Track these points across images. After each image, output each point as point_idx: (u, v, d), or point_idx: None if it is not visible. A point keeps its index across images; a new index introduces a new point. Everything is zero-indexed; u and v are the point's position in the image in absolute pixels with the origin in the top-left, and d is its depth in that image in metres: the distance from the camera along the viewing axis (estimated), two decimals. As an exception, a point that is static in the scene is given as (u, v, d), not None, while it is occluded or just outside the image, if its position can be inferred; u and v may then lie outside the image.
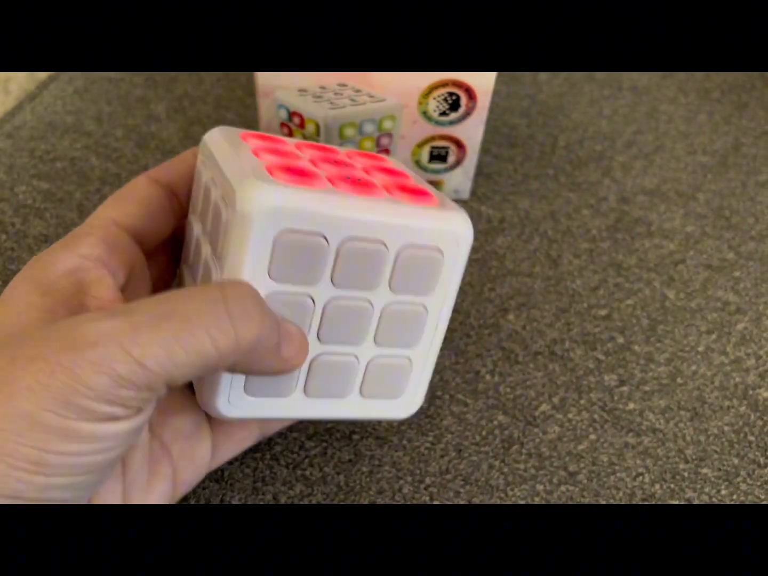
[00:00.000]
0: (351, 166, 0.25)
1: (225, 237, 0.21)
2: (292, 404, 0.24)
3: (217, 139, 0.25)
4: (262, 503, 0.28)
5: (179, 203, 0.26)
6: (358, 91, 0.33)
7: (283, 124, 0.35)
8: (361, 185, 0.23)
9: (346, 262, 0.22)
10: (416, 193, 0.24)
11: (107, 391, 0.17)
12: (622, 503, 0.29)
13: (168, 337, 0.17)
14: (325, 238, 0.21)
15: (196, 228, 0.25)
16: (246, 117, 0.43)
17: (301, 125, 0.35)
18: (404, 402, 0.27)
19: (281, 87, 0.33)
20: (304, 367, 0.24)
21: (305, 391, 0.24)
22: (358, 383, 0.25)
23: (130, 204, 0.24)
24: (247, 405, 0.24)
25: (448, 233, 0.23)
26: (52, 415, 0.17)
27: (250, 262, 0.21)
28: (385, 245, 0.22)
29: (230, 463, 0.29)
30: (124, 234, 0.23)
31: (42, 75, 0.77)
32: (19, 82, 1.00)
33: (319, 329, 0.23)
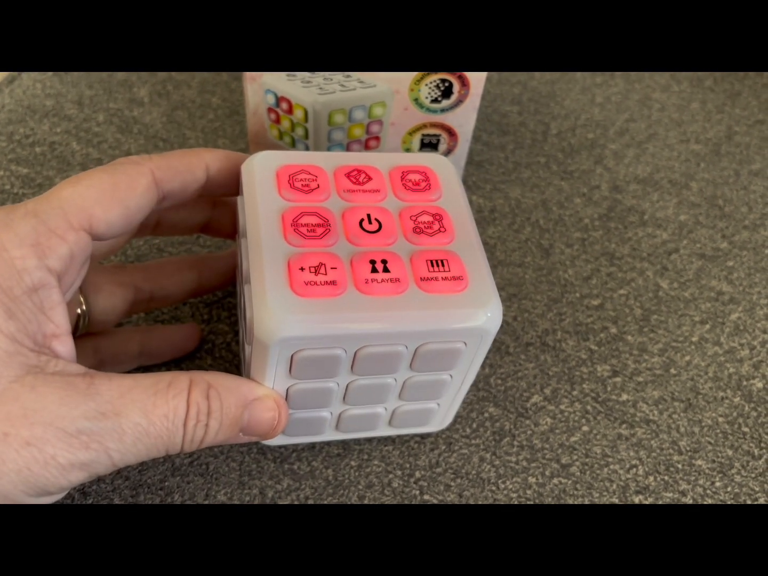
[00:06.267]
0: (383, 229, 0.24)
1: (250, 340, 0.22)
2: (327, 436, 0.28)
3: (250, 186, 0.24)
4: (248, 498, 0.27)
5: (165, 209, 0.26)
6: (348, 76, 0.32)
7: (270, 110, 0.34)
8: (386, 279, 0.22)
9: (366, 361, 0.23)
10: (445, 276, 0.23)
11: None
12: (615, 497, 0.28)
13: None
14: (343, 349, 0.22)
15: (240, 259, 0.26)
16: (232, 101, 0.42)
17: (289, 111, 0.34)
18: (434, 423, 0.28)
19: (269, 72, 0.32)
20: (334, 417, 0.26)
21: (337, 429, 0.27)
22: (386, 422, 0.27)
23: (116, 208, 0.22)
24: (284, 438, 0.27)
25: (469, 331, 0.23)
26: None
27: (271, 372, 0.22)
28: (405, 346, 0.23)
29: (215, 456, 0.28)
30: (90, 243, 0.22)
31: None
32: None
33: (344, 397, 0.25)
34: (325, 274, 0.22)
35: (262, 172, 0.24)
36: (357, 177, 0.25)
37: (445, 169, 0.26)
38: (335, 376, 0.23)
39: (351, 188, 0.25)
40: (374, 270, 0.22)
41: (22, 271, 0.19)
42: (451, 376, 0.25)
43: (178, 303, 0.32)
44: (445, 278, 0.23)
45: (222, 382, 0.22)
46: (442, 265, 0.23)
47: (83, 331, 0.26)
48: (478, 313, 0.22)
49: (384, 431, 0.28)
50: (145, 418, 0.20)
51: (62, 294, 0.21)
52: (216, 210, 0.29)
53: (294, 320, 0.21)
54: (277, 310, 0.21)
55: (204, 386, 0.21)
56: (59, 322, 0.20)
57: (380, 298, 0.22)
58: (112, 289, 0.27)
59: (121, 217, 0.22)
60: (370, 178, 0.25)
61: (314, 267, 0.22)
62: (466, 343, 0.23)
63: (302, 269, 0.22)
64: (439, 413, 0.28)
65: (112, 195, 0.22)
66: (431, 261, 0.23)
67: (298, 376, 0.23)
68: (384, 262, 0.22)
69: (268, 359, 0.22)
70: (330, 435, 0.27)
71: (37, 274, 0.20)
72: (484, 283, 0.23)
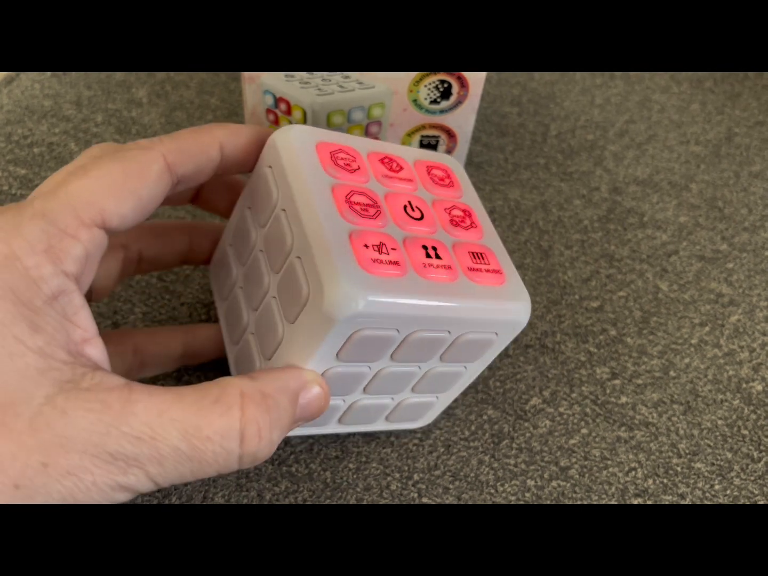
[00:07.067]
0: (425, 218, 0.24)
1: (302, 317, 0.21)
2: (329, 428, 0.27)
3: (292, 158, 0.23)
4: (246, 500, 0.27)
5: (177, 194, 0.25)
6: (346, 77, 0.32)
7: (269, 111, 0.34)
8: (440, 266, 0.22)
9: (410, 346, 0.23)
10: (487, 269, 0.23)
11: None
12: (614, 500, 0.28)
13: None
14: (397, 330, 0.22)
15: (253, 233, 0.25)
16: (230, 102, 0.42)
17: (288, 112, 0.34)
18: (423, 419, 0.29)
19: (267, 72, 0.32)
20: (345, 407, 0.26)
21: (339, 421, 0.27)
22: (386, 415, 0.27)
23: (129, 200, 0.21)
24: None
25: (507, 323, 0.24)
26: None
27: (320, 352, 0.21)
28: (449, 332, 0.23)
29: (213, 459, 0.28)
30: (105, 239, 0.21)
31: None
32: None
33: (367, 386, 0.25)
34: (388, 254, 0.21)
35: (301, 145, 0.23)
36: (390, 164, 0.25)
37: (458, 170, 0.27)
38: (377, 360, 0.23)
39: (388, 174, 0.25)
40: (428, 255, 0.22)
41: (38, 281, 0.18)
42: (465, 368, 0.26)
43: (170, 267, 0.30)
44: (488, 270, 0.23)
45: (274, 384, 0.21)
46: (483, 258, 0.24)
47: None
48: (517, 306, 0.23)
49: (379, 426, 0.28)
50: (185, 442, 0.18)
51: (83, 296, 0.20)
52: (194, 237, 0.28)
53: (368, 296, 0.20)
54: (351, 285, 0.20)
55: (258, 398, 0.20)
56: (86, 326, 0.19)
57: (438, 283, 0.22)
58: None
59: (134, 208, 0.21)
60: (401, 168, 0.25)
61: (376, 245, 0.21)
62: (497, 334, 0.24)
63: (366, 246, 0.21)
64: (434, 409, 0.28)
65: (123, 185, 0.21)
66: (472, 253, 0.23)
67: (343, 359, 0.22)
68: (434, 249, 0.23)
69: (325, 338, 0.21)
70: (332, 427, 0.27)
71: (54, 282, 0.19)
72: (516, 277, 0.24)
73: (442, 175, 0.26)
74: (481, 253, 0.24)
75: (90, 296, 0.26)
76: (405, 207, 0.24)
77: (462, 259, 0.23)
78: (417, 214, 0.24)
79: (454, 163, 0.27)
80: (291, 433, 0.27)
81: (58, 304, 0.19)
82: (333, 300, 0.20)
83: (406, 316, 0.21)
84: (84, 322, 0.19)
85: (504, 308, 0.23)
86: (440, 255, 0.23)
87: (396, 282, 0.21)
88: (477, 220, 0.25)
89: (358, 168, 0.24)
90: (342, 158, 0.24)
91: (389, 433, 0.29)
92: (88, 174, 0.20)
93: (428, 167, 0.26)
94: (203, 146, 0.23)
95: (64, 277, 0.19)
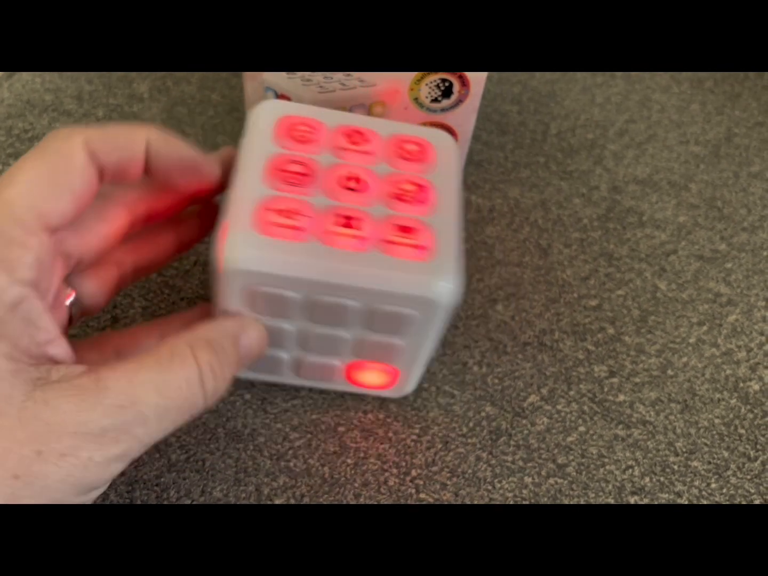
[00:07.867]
0: (364, 189, 0.24)
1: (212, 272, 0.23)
2: (289, 380, 0.29)
3: (250, 131, 0.25)
4: (244, 494, 0.27)
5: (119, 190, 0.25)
6: (348, 75, 0.32)
7: (269, 107, 0.34)
8: (351, 236, 0.23)
9: (319, 308, 0.24)
10: (410, 243, 0.23)
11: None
12: (611, 498, 0.28)
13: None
14: (296, 292, 0.23)
15: None
16: (232, 98, 0.42)
17: (289, 108, 0.34)
18: (394, 389, 0.29)
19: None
20: (293, 360, 0.27)
21: (298, 375, 0.28)
22: (344, 376, 0.28)
23: (63, 195, 0.21)
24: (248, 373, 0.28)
25: (423, 300, 0.23)
26: None
27: (228, 299, 0.24)
28: (356, 301, 0.23)
29: (212, 453, 0.28)
30: (52, 240, 0.21)
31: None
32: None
33: (302, 343, 0.26)
34: (292, 219, 0.22)
35: (265, 119, 0.25)
36: (354, 137, 0.25)
37: (446, 146, 0.27)
38: (289, 318, 0.24)
39: (345, 147, 0.25)
40: (343, 225, 0.23)
41: None
42: (402, 341, 0.25)
43: (163, 266, 0.31)
44: (409, 245, 0.23)
45: (214, 330, 0.23)
46: (410, 232, 0.23)
47: (78, 317, 0.26)
48: (432, 284, 0.23)
49: (343, 386, 0.29)
50: (161, 397, 0.20)
51: (43, 299, 0.21)
52: (179, 229, 0.28)
53: (250, 253, 0.22)
54: (237, 242, 0.22)
55: (204, 344, 0.22)
56: (48, 328, 0.20)
57: (340, 251, 0.22)
58: (95, 271, 0.26)
59: (71, 201, 0.21)
60: (367, 141, 0.26)
61: (283, 210, 0.23)
62: (419, 312, 0.24)
63: (270, 210, 0.22)
64: (398, 379, 0.28)
65: (54, 182, 0.21)
66: (400, 226, 0.23)
67: (256, 311, 0.24)
68: (354, 219, 0.23)
69: (228, 290, 0.23)
70: (290, 378, 0.28)
71: (11, 292, 0.20)
72: (449, 258, 0.23)
73: (414, 149, 0.26)
74: (411, 228, 0.23)
75: (83, 311, 0.26)
76: (344, 178, 0.24)
77: (384, 232, 0.23)
78: (355, 186, 0.24)
79: (444, 140, 0.27)
80: (259, 376, 0.28)
81: (20, 311, 0.20)
82: (220, 254, 0.22)
83: (299, 279, 0.22)
84: (45, 324, 0.20)
85: (414, 283, 0.23)
86: (358, 225, 0.23)
87: (290, 246, 0.22)
88: (431, 196, 0.24)
89: (313, 140, 0.25)
90: (299, 130, 0.25)
91: (387, 429, 0.29)
92: (16, 179, 0.21)
93: (402, 141, 0.26)
94: (128, 135, 0.23)
95: (20, 285, 0.20)
